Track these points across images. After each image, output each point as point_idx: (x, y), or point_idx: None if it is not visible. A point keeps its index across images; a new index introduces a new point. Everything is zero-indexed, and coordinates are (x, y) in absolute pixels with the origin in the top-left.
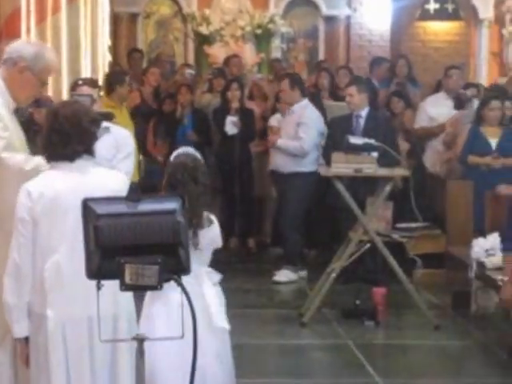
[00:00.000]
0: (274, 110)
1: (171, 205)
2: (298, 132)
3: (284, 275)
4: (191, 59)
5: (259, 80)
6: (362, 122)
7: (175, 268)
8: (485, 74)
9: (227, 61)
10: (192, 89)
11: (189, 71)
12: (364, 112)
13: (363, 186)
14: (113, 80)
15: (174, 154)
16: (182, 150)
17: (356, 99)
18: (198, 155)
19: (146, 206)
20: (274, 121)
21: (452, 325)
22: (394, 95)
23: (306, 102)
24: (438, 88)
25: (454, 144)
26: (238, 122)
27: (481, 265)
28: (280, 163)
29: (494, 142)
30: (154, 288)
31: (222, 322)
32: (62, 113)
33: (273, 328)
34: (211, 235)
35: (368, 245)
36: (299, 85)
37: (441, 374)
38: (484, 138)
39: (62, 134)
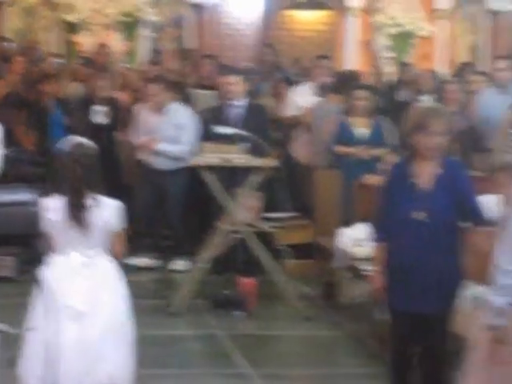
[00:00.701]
0: (141, 100)
1: (25, 196)
2: (180, 135)
3: (181, 265)
4: (59, 48)
5: (126, 70)
6: (238, 111)
7: (32, 259)
8: (353, 63)
9: (94, 50)
10: (58, 78)
11: (55, 60)
12: (241, 102)
13: (234, 177)
14: None
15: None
16: (74, 140)
17: (236, 88)
18: (87, 142)
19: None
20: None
21: (322, 315)
22: (282, 82)
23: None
24: (303, 77)
25: (315, 132)
26: (105, 111)
27: (348, 255)
28: (159, 162)
29: (362, 133)
30: (11, 279)
31: None
32: None
33: (143, 318)
34: (99, 216)
35: (237, 235)
36: (171, 86)
37: (312, 364)
38: (351, 128)
39: None
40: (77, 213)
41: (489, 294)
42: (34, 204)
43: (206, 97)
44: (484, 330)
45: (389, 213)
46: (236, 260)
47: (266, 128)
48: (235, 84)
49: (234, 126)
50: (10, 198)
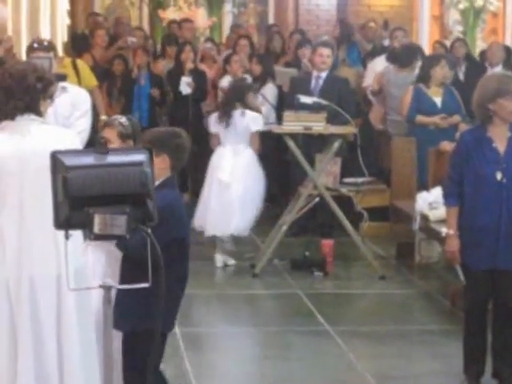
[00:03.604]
0: (223, 73)
1: (139, 157)
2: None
3: None
4: (146, 23)
5: (208, 49)
6: (320, 82)
7: (143, 218)
8: (426, 36)
9: (180, 25)
10: (148, 51)
11: (131, 39)
12: (324, 73)
13: (314, 143)
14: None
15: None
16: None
17: (330, 61)
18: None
19: (115, 158)
20: (225, 82)
21: (396, 275)
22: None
23: None
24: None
25: (390, 100)
26: (192, 82)
27: (424, 217)
28: None
29: (437, 101)
30: (122, 237)
31: None
32: (8, 70)
33: (225, 279)
34: (242, 121)
35: (317, 199)
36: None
37: (386, 321)
38: (429, 98)
39: (5, 90)
40: (227, 119)
41: None
42: (147, 164)
43: (288, 74)
44: None
45: (466, 176)
46: (316, 223)
47: (349, 99)
48: (330, 56)
49: (318, 96)
50: (124, 159)
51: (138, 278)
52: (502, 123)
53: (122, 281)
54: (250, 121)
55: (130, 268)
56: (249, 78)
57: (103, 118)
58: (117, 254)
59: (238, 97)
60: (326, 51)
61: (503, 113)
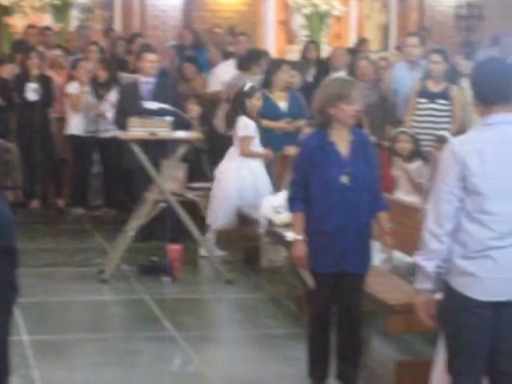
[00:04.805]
0: (71, 79)
1: None
2: None
3: None
4: None
5: (56, 55)
6: (150, 87)
7: None
8: (272, 41)
9: (26, 31)
10: None
11: None
12: (152, 78)
13: (157, 149)
14: None
15: None
16: None
17: (157, 66)
18: None
19: None
20: (72, 88)
21: (244, 279)
22: (187, 61)
23: None
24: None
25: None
26: (38, 88)
27: (269, 221)
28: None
29: (282, 106)
30: None
31: None
32: None
33: (73, 285)
34: None
35: (163, 204)
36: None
37: (235, 326)
38: (273, 102)
39: None
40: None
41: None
42: None
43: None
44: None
45: (312, 181)
46: (163, 228)
47: (182, 103)
48: (156, 62)
49: (151, 100)
50: None
51: None
52: (342, 127)
53: None
54: (239, 126)
55: None
56: (254, 84)
57: None
58: None
59: (239, 104)
60: (152, 56)
61: (343, 117)
